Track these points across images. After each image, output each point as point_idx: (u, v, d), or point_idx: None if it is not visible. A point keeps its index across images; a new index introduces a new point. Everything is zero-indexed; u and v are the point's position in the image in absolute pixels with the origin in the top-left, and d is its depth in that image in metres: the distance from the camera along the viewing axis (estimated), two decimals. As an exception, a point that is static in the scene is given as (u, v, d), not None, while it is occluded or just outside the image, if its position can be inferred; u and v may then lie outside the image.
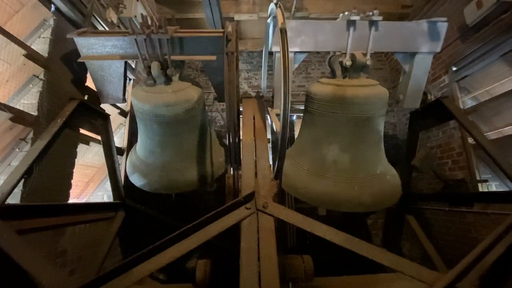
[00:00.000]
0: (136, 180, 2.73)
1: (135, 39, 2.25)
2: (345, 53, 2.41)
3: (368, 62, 2.34)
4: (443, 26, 2.50)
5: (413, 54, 2.59)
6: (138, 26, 2.23)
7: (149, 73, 2.40)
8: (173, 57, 2.40)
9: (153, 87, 2.47)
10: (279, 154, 1.97)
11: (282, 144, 1.89)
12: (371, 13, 2.38)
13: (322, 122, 2.37)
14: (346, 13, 2.43)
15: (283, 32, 1.68)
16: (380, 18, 2.38)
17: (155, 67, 2.33)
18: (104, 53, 2.43)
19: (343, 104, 2.23)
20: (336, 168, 2.31)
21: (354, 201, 2.22)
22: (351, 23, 2.39)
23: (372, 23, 2.39)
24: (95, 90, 2.76)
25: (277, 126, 2.60)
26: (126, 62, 2.56)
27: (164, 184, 2.65)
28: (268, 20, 2.55)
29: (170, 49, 2.33)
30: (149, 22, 2.24)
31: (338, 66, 2.43)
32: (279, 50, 1.69)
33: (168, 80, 2.48)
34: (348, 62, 2.34)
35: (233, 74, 2.07)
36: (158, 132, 2.52)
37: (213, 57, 2.42)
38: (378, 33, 2.43)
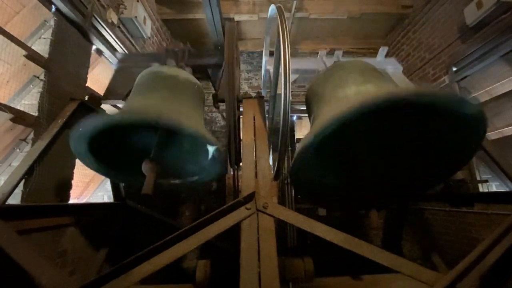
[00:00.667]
0: (117, 117, 2.15)
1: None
2: None
3: None
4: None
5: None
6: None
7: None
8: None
9: None
10: (280, 155, 1.97)
11: (283, 145, 1.90)
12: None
13: (330, 87, 2.18)
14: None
15: (284, 33, 1.68)
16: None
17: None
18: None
19: (344, 68, 2.19)
20: (362, 94, 1.99)
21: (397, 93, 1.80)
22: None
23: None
24: (96, 90, 2.76)
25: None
26: None
27: (145, 112, 2.15)
28: (268, 21, 2.55)
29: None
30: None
31: None
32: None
33: None
34: None
35: (232, 75, 2.08)
36: (153, 86, 2.32)
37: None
38: None
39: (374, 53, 3.58)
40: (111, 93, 2.75)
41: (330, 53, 2.98)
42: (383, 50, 3.09)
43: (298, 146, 1.90)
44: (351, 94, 1.95)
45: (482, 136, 1.62)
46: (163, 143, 2.35)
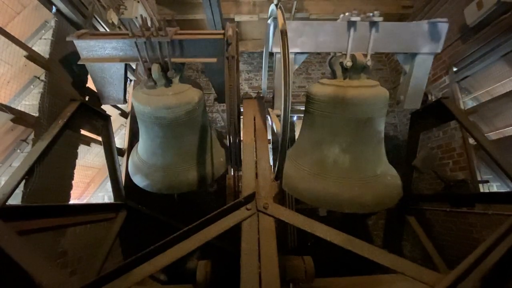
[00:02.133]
0: (139, 181, 2.76)
1: (135, 42, 2.24)
2: (346, 54, 2.40)
3: (369, 63, 2.33)
4: (443, 27, 2.48)
5: (413, 55, 2.58)
6: (139, 28, 2.23)
7: (149, 75, 2.39)
8: (173, 60, 2.39)
9: (153, 89, 2.46)
10: (280, 155, 1.97)
11: (283, 145, 1.89)
12: (371, 14, 2.38)
13: (323, 123, 2.37)
14: (347, 13, 2.43)
15: (284, 33, 1.68)
16: (381, 19, 2.37)
17: (155, 69, 2.32)
18: (104, 56, 2.42)
19: (343, 106, 2.23)
20: (336, 169, 2.30)
21: (355, 201, 2.22)
22: (351, 24, 2.38)
23: (373, 24, 2.39)
24: (96, 91, 2.77)
25: (277, 127, 2.59)
26: (126, 64, 2.55)
27: (166, 185, 2.68)
28: (269, 21, 2.56)
29: (170, 52, 2.32)
30: (149, 24, 2.23)
31: (338, 67, 2.43)
32: (279, 51, 1.69)
33: (168, 82, 2.48)
34: (348, 63, 2.34)
35: (234, 77, 2.07)
36: (159, 134, 2.54)
37: (214, 60, 2.41)
38: (378, 34, 2.43)
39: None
40: (105, 96, 2.72)
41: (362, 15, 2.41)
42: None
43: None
44: (330, 160, 2.32)
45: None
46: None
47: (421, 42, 2.50)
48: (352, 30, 2.39)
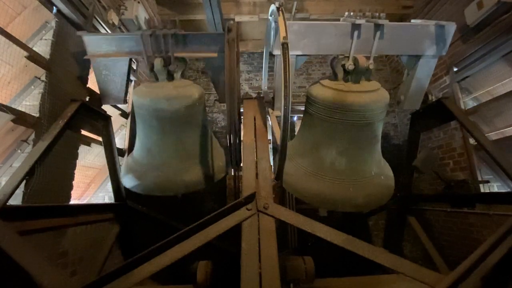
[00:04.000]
0: (129, 182, 2.62)
1: (141, 35, 2.36)
2: (348, 56, 2.37)
3: (371, 66, 2.29)
4: (450, 30, 2.41)
5: (418, 57, 2.53)
6: (144, 27, 2.29)
7: (152, 69, 2.47)
8: (176, 54, 2.48)
9: (155, 83, 2.53)
10: (280, 155, 1.97)
11: (283, 145, 1.89)
12: (377, 14, 2.33)
13: (322, 126, 2.37)
14: (352, 13, 2.39)
15: (285, 47, 1.67)
16: (386, 21, 2.30)
17: (158, 62, 2.41)
18: (110, 51, 2.53)
19: (343, 110, 2.23)
20: (333, 170, 2.34)
21: (349, 201, 2.29)
22: (355, 27, 2.33)
23: (378, 26, 2.32)
24: (97, 91, 2.77)
25: (277, 132, 2.60)
26: (130, 62, 2.62)
27: (159, 185, 2.56)
28: (270, 19, 2.54)
29: (173, 45, 2.43)
30: (156, 23, 2.41)
31: (340, 69, 2.40)
32: (279, 53, 1.69)
33: (170, 77, 2.54)
34: (350, 66, 2.30)
35: (234, 62, 2.08)
36: (157, 129, 2.50)
37: (215, 54, 2.52)
38: (383, 36, 2.39)
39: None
40: (106, 95, 2.74)
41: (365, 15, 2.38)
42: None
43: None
44: (327, 163, 2.35)
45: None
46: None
47: (426, 45, 2.45)
48: (355, 33, 2.34)
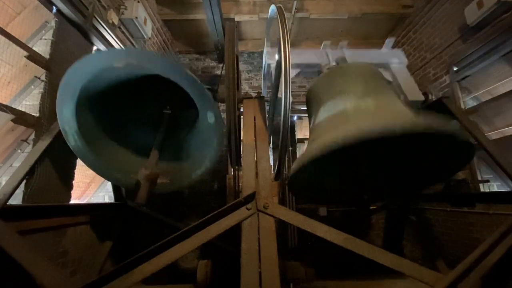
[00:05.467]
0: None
1: None
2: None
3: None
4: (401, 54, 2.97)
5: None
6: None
7: None
8: None
9: None
10: (280, 155, 1.97)
11: (283, 145, 1.89)
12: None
13: (330, 93, 2.15)
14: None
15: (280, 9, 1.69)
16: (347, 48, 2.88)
17: None
18: None
19: (346, 74, 2.20)
20: (360, 111, 1.94)
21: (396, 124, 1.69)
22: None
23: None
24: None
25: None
26: None
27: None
28: (269, 17, 2.55)
29: None
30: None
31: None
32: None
33: None
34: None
35: (234, 60, 2.07)
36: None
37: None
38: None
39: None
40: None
41: (334, 44, 2.91)
42: (389, 42, 3.04)
43: (295, 164, 1.95)
44: (350, 109, 1.96)
45: (471, 157, 1.90)
46: (162, 142, 2.34)
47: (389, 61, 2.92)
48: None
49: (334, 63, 2.77)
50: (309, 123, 2.54)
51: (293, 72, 2.74)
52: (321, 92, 2.25)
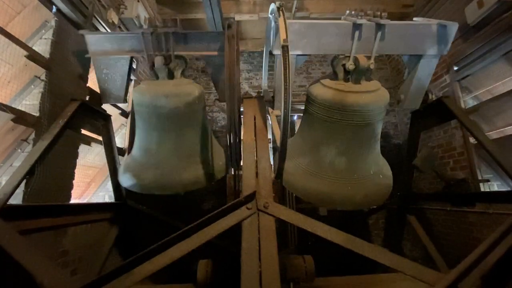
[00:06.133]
0: (127, 181, 2.57)
1: (142, 34, 2.39)
2: (349, 56, 2.35)
3: (372, 66, 2.28)
4: (452, 30, 2.40)
5: (419, 56, 2.51)
6: (144, 26, 2.31)
7: (152, 67, 2.51)
8: (176, 52, 2.51)
9: (155, 81, 2.56)
10: (280, 155, 1.97)
11: (283, 145, 1.89)
12: (378, 13, 2.30)
13: (321, 125, 2.37)
14: (353, 12, 2.37)
15: (285, 49, 1.68)
16: (388, 20, 2.28)
17: (158, 60, 2.44)
18: (111, 50, 2.55)
19: (343, 111, 2.23)
20: (332, 169, 2.36)
21: (347, 200, 2.34)
22: (356, 27, 2.31)
23: (379, 26, 2.29)
24: (97, 90, 2.77)
25: (276, 132, 2.60)
26: (131, 60, 2.64)
27: (158, 184, 2.53)
28: (270, 17, 2.54)
29: (173, 44, 2.46)
30: (156, 23, 2.44)
31: (340, 69, 2.39)
32: (279, 53, 1.69)
33: (170, 76, 2.57)
34: (351, 66, 2.29)
35: (234, 60, 2.08)
36: (156, 127, 2.50)
37: (215, 53, 2.56)
38: (384, 36, 2.37)
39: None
40: (107, 93, 2.74)
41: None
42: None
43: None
44: (326, 162, 2.37)
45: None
46: None
47: (428, 44, 2.43)
48: (357, 32, 2.31)
49: (353, 57, 2.33)
50: (301, 119, 2.69)
51: (303, 58, 2.52)
52: (316, 113, 2.39)
